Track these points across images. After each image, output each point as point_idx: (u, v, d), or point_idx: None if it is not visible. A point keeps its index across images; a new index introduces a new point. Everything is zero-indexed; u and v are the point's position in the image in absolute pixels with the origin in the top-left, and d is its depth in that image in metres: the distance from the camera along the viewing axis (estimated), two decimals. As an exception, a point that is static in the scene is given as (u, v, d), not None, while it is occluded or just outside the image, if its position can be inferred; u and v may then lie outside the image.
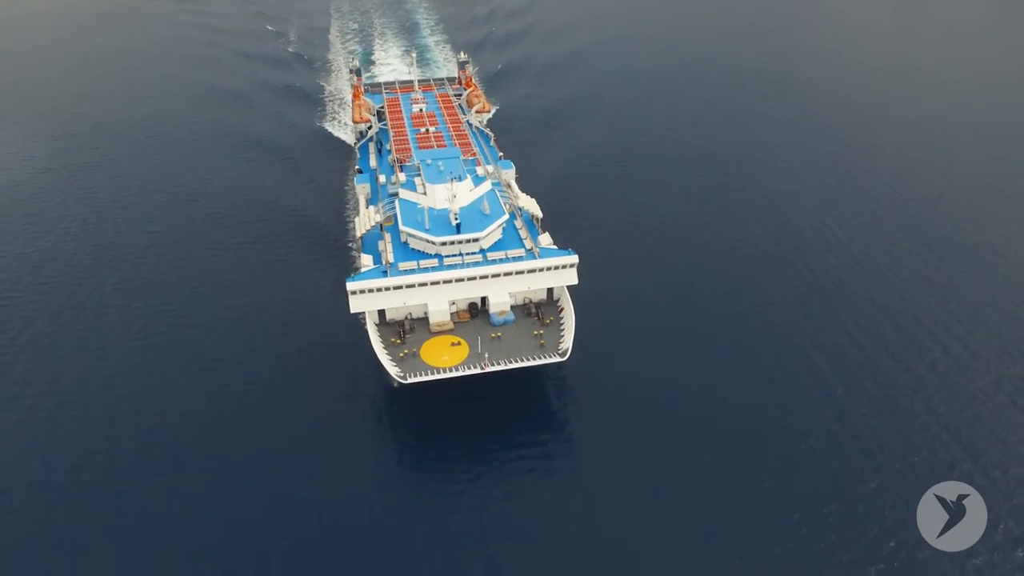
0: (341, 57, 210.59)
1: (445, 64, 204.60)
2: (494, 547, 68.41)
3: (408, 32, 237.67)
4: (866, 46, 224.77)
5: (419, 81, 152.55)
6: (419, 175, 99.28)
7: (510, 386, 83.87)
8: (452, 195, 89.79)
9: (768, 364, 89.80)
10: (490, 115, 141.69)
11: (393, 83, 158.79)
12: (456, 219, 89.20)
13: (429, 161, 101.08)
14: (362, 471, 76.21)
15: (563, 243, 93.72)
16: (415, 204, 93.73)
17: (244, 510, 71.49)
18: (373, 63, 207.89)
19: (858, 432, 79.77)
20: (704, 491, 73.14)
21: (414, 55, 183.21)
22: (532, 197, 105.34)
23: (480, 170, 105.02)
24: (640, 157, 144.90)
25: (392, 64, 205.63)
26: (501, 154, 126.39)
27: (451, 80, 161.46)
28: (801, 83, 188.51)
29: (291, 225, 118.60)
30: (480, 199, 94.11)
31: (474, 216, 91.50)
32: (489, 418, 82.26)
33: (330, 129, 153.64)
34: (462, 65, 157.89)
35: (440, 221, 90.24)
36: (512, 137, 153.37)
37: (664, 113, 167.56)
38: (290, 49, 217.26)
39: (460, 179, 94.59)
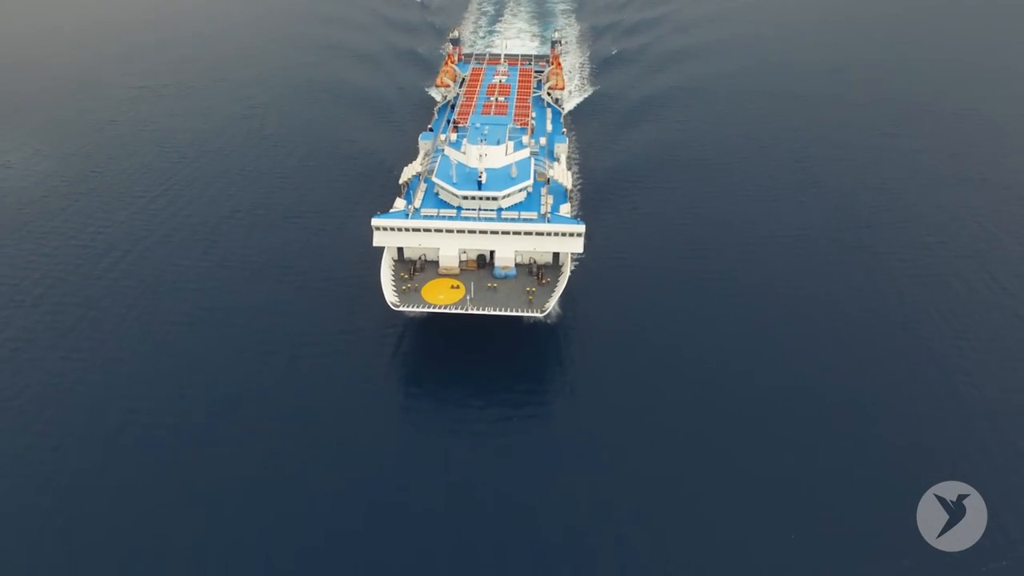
0: (468, 28, 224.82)
1: (563, 48, 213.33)
2: (479, 478, 74.59)
3: (541, 7, 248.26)
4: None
5: (507, 56, 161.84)
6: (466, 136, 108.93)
7: (513, 340, 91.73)
8: (480, 155, 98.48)
9: (770, 361, 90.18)
10: (563, 92, 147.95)
11: (484, 55, 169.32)
12: (482, 177, 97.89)
13: (478, 125, 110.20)
14: (365, 402, 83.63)
15: (596, 218, 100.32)
16: (454, 160, 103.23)
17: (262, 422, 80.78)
18: (501, 19, 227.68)
19: (858, 431, 79.94)
20: (701, 485, 74.22)
21: (503, 35, 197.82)
22: (569, 171, 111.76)
23: (525, 139, 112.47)
24: (719, 151, 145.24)
25: (520, 26, 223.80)
26: (564, 130, 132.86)
27: (540, 58, 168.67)
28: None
29: (365, 168, 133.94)
30: (512, 164, 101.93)
31: (500, 178, 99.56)
32: (491, 366, 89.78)
33: (432, 93, 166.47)
34: (553, 44, 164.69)
35: (468, 177, 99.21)
36: (603, 117, 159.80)
37: (763, 110, 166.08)
38: (427, 18, 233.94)
39: (498, 143, 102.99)
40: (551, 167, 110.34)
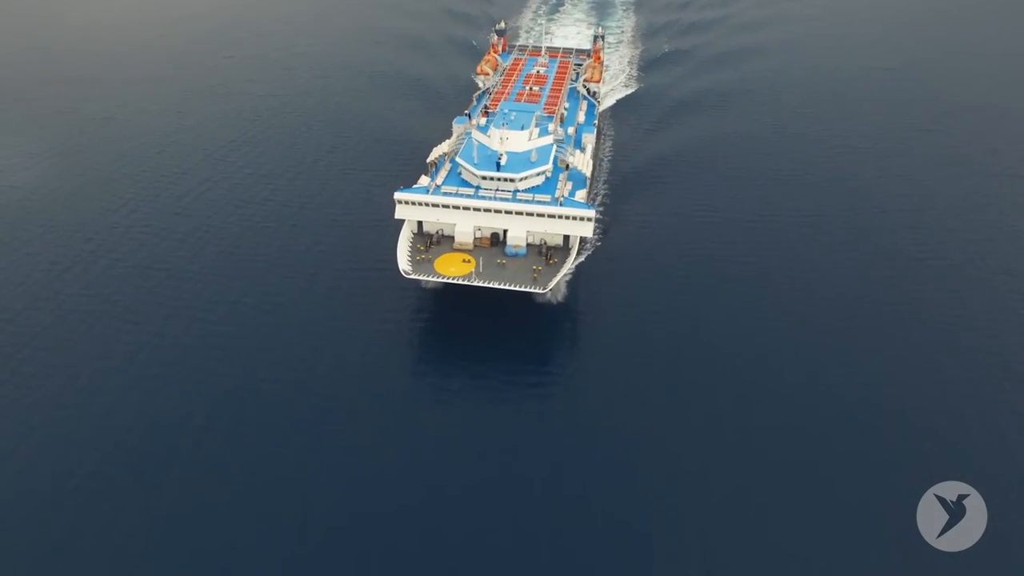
0: (527, 17, 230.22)
1: (618, 38, 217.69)
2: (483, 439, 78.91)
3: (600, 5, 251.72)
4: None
5: (548, 48, 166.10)
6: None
7: (523, 317, 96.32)
8: (501, 139, 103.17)
9: (773, 357, 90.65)
10: (599, 85, 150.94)
11: (527, 46, 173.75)
12: (503, 160, 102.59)
13: (506, 111, 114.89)
14: (382, 366, 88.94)
15: (623, 207, 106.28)
16: (476, 142, 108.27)
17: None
18: (558, 13, 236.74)
19: (858, 431, 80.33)
20: (698, 479, 74.75)
21: (546, 27, 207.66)
22: (591, 160, 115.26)
23: (551, 127, 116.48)
24: (754, 145, 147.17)
25: (578, 16, 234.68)
26: (596, 121, 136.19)
27: (582, 52, 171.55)
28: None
29: (406, 144, 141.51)
30: (533, 149, 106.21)
31: (519, 161, 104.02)
32: (499, 339, 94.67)
33: (478, 81, 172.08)
34: (595, 39, 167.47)
35: (488, 159, 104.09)
36: (644, 112, 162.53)
37: (804, 105, 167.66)
38: (487, 10, 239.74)
39: (522, 128, 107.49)
40: (573, 154, 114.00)
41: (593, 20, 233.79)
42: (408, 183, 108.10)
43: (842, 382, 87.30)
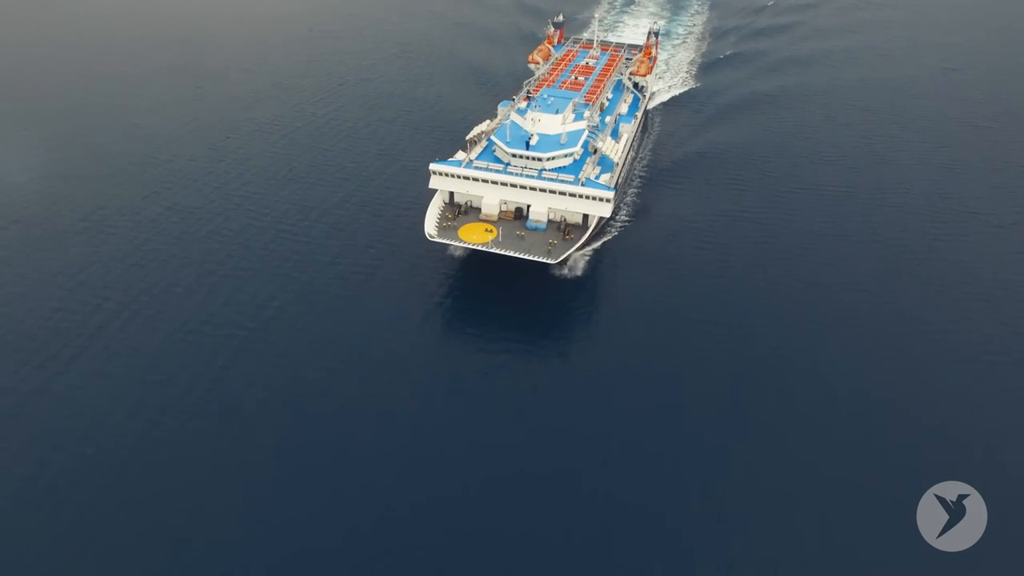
0: (602, 11, 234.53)
1: (688, 30, 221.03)
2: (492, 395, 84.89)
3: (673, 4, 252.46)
4: None
5: (601, 42, 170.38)
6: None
7: (539, 288, 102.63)
8: (533, 120, 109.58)
9: (777, 355, 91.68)
10: (644, 79, 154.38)
11: (580, 39, 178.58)
12: (533, 140, 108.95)
13: (546, 96, 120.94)
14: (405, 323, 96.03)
15: (658, 198, 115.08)
16: (512, 122, 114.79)
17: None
18: (633, 6, 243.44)
19: (857, 431, 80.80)
20: (696, 474, 76.33)
21: (607, 20, 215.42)
22: (624, 148, 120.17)
23: (587, 114, 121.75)
24: (797, 143, 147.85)
25: (652, 9, 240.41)
26: (638, 113, 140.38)
27: (634, 47, 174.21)
28: None
29: (455, 121, 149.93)
30: (563, 132, 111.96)
31: (549, 142, 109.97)
32: (515, 307, 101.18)
33: (531, 69, 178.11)
34: (650, 35, 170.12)
35: (520, 138, 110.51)
36: (695, 110, 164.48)
37: (856, 103, 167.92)
38: (560, 6, 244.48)
39: (556, 112, 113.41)
40: (604, 141, 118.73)
41: (667, 15, 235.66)
42: (447, 156, 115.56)
43: (843, 380, 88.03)
